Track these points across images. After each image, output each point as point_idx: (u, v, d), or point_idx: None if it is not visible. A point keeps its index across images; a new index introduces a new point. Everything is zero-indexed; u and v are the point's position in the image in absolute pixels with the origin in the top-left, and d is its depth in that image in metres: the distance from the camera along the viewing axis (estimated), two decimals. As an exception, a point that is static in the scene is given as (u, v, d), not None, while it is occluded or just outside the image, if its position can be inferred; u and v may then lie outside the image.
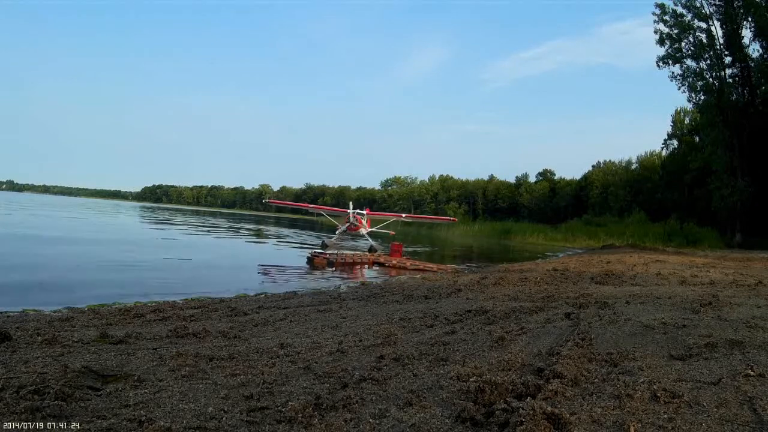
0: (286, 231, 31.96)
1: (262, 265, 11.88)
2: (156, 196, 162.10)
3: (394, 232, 20.23)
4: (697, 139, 40.02)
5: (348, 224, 16.35)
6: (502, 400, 2.01)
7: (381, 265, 13.35)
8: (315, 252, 13.35)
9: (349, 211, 16.84)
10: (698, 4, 30.70)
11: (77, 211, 38.91)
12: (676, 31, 31.38)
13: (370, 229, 19.24)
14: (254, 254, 16.20)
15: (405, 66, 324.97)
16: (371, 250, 15.57)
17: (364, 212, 17.66)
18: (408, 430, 1.86)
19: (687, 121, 44.78)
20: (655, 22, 31.92)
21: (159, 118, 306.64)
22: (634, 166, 56.65)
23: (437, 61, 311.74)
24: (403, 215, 19.93)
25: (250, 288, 7.40)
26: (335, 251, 14.05)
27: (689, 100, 33.22)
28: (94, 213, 37.92)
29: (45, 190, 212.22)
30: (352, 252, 14.48)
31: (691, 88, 31.61)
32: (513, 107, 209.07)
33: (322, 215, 19.91)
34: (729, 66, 31.02)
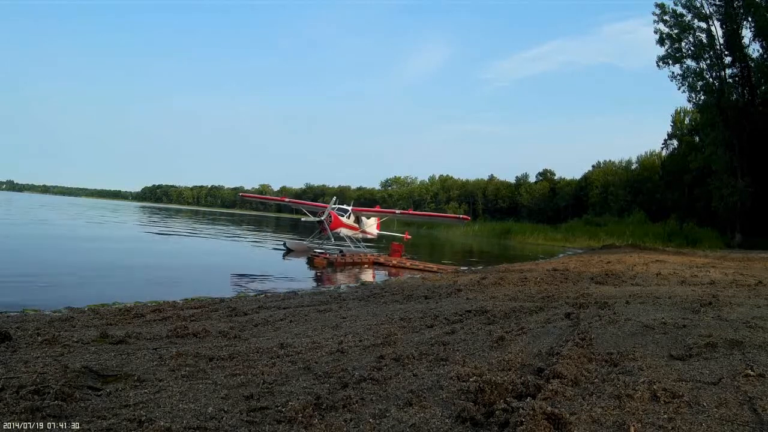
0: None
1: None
2: (156, 196, 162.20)
3: (410, 236, 19.17)
4: (697, 139, 40.05)
5: (320, 220, 14.19)
6: (502, 400, 2.00)
7: (381, 265, 13.35)
8: (315, 252, 13.35)
9: (328, 207, 14.69)
10: (698, 4, 30.75)
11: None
12: (676, 31, 31.43)
13: (379, 232, 18.54)
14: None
15: (405, 66, 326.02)
16: (341, 253, 13.66)
17: (349, 209, 15.82)
18: (408, 430, 1.85)
19: (687, 121, 44.81)
20: (655, 22, 32.02)
21: (159, 118, 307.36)
22: (634, 166, 56.77)
23: (438, 61, 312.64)
24: (397, 211, 19.16)
25: (251, 287, 7.39)
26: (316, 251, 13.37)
27: (689, 100, 33.33)
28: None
29: (45, 190, 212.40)
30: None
31: (691, 88, 31.68)
32: (514, 107, 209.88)
33: (303, 212, 16.60)
34: (729, 66, 31.08)
